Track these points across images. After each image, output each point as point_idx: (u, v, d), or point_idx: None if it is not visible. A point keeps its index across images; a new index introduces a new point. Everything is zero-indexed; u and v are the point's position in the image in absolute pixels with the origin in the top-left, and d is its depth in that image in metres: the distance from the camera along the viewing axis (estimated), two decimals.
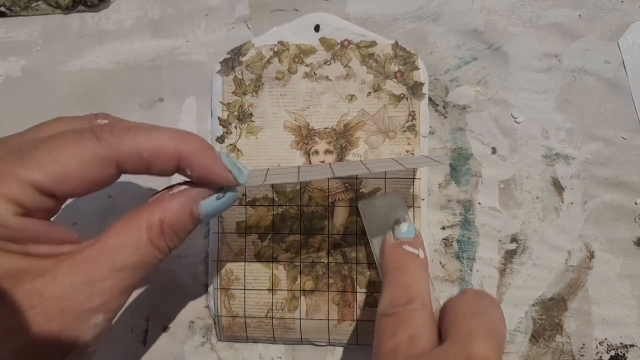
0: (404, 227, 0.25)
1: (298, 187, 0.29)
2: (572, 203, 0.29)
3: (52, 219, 0.19)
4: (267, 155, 0.29)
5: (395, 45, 0.29)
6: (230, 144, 0.29)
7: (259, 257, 0.29)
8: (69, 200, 0.30)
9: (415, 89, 0.28)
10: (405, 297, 0.22)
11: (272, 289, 0.28)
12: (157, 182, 0.30)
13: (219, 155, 0.20)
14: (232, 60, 0.29)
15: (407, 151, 0.28)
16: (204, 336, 0.30)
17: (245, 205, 0.29)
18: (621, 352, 0.28)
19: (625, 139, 0.29)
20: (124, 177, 0.30)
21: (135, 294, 0.30)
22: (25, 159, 0.17)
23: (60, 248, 0.18)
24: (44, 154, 0.17)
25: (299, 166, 0.28)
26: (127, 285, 0.19)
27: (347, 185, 0.28)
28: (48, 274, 0.17)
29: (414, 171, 0.28)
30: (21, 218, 0.17)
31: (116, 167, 0.19)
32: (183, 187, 0.20)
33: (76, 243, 0.19)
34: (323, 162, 0.29)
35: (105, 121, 0.21)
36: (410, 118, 0.28)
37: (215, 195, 0.20)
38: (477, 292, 0.23)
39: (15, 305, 0.17)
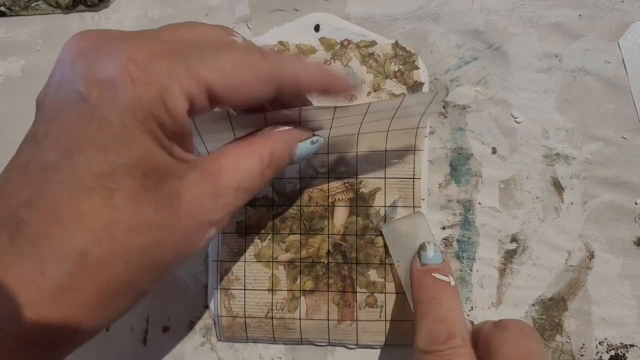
0: (430, 253, 0.25)
1: (298, 187, 0.29)
2: (572, 203, 0.29)
3: None
4: None
5: (395, 45, 0.29)
6: None
7: (259, 257, 0.29)
8: None
9: (415, 88, 0.28)
10: (444, 333, 0.22)
11: (272, 289, 0.28)
12: None
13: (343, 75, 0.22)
14: None
15: (407, 151, 0.28)
16: (204, 336, 0.30)
17: (245, 206, 0.29)
18: (621, 352, 0.28)
19: (625, 139, 0.29)
20: None
21: None
22: (208, 61, 0.17)
23: (188, 155, 0.18)
24: (227, 61, 0.18)
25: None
26: (238, 206, 0.19)
27: (347, 185, 0.28)
28: (185, 178, 0.18)
29: (413, 171, 0.28)
30: (187, 117, 0.17)
31: (277, 88, 0.19)
32: (285, 127, 0.22)
33: (192, 153, 0.19)
34: (323, 161, 0.28)
35: (239, 36, 0.21)
36: None
37: (310, 140, 0.22)
38: (521, 327, 0.23)
39: (158, 200, 0.17)
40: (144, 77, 0.16)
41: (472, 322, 0.28)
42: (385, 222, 0.28)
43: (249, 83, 0.18)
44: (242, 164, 0.19)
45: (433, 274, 0.24)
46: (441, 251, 0.25)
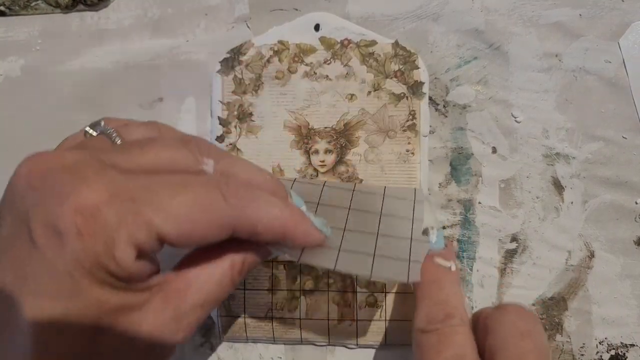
0: (432, 237, 0.25)
1: None
2: (572, 203, 0.29)
3: None
4: (267, 155, 0.29)
5: (396, 44, 0.29)
6: (230, 144, 0.29)
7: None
8: None
9: (415, 88, 0.28)
10: (443, 313, 0.22)
11: (272, 289, 0.28)
12: None
13: (311, 222, 0.21)
14: (232, 60, 0.29)
15: (407, 150, 0.28)
16: (203, 336, 0.29)
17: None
18: (621, 351, 0.28)
19: (625, 138, 0.29)
20: None
21: None
22: (162, 206, 0.17)
23: (150, 280, 0.18)
24: (182, 205, 0.17)
25: (324, 182, 0.28)
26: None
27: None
28: (143, 308, 0.17)
29: (413, 170, 0.28)
30: (137, 261, 0.17)
31: (232, 232, 0.18)
32: None
33: (158, 271, 0.19)
34: (323, 161, 0.28)
35: (210, 162, 0.20)
36: (411, 117, 0.28)
37: None
38: (520, 309, 0.23)
39: (115, 337, 0.17)
40: (91, 228, 0.16)
41: (473, 308, 0.28)
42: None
43: (202, 229, 0.17)
44: (211, 275, 0.19)
45: (435, 259, 0.24)
46: (445, 236, 0.25)
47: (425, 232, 0.25)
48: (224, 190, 0.18)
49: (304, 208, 0.22)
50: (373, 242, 0.24)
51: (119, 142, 0.20)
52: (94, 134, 0.20)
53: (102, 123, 0.20)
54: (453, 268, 0.24)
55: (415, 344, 0.22)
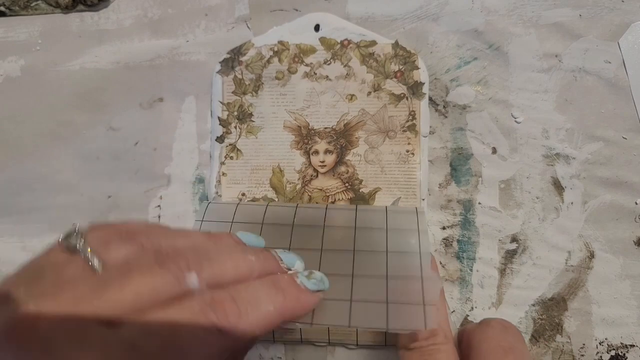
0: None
1: (298, 187, 0.29)
2: (572, 203, 0.29)
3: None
4: (266, 155, 0.29)
5: (396, 44, 0.29)
6: (230, 144, 0.29)
7: None
8: (68, 201, 0.31)
9: (415, 88, 0.28)
10: (426, 331, 0.22)
11: None
12: (155, 183, 0.30)
13: (306, 289, 0.21)
14: (232, 60, 0.29)
15: (407, 151, 0.28)
16: None
17: (245, 205, 0.29)
18: (621, 352, 0.28)
19: (625, 139, 0.29)
20: (123, 178, 0.30)
21: None
22: None
23: None
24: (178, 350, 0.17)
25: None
26: None
27: (347, 185, 0.28)
28: None
29: (413, 170, 0.28)
30: None
31: (231, 352, 0.19)
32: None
33: None
34: (323, 161, 0.28)
35: (193, 276, 0.19)
36: (411, 118, 0.28)
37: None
38: (503, 325, 0.23)
39: None
40: None
41: (472, 309, 0.28)
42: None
43: None
44: None
45: None
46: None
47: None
48: (212, 318, 0.18)
49: (298, 264, 0.23)
50: (383, 286, 0.23)
51: (97, 266, 0.18)
52: (70, 253, 0.18)
53: (80, 240, 0.19)
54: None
55: None
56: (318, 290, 0.22)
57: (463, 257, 0.29)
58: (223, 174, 0.29)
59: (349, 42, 0.29)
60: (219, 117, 0.29)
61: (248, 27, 0.30)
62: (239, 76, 0.29)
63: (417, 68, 0.28)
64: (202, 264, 0.19)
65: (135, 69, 0.31)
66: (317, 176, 0.28)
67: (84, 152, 0.31)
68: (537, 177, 0.29)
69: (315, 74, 0.29)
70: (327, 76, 0.29)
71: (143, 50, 0.31)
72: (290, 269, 0.22)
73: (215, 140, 0.29)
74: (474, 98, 0.29)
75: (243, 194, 0.29)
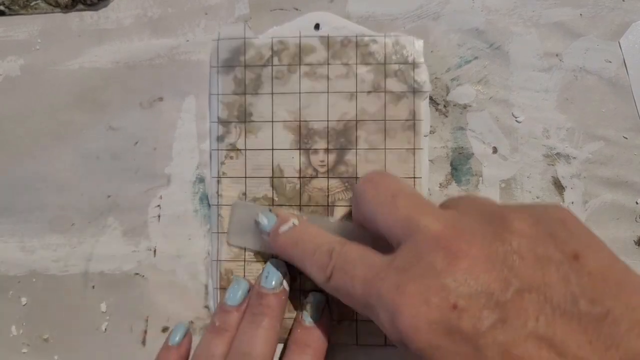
0: (262, 220, 0.26)
1: (298, 186, 0.29)
2: (572, 202, 0.29)
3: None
4: (266, 155, 0.29)
5: (396, 43, 0.29)
6: (230, 144, 0.29)
7: (258, 257, 0.29)
8: (67, 200, 0.30)
9: (415, 88, 0.28)
10: (324, 258, 0.23)
11: None
12: (155, 182, 0.30)
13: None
14: (231, 59, 0.29)
15: (408, 150, 0.28)
16: None
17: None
18: None
19: (626, 138, 0.28)
20: (122, 178, 0.30)
21: (135, 293, 0.30)
22: None
23: None
24: None
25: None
26: None
27: (347, 185, 0.28)
28: None
29: (414, 171, 0.28)
30: None
31: None
32: None
33: None
34: (323, 161, 0.28)
35: None
36: (411, 117, 0.28)
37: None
38: (381, 173, 0.24)
39: None
40: None
41: None
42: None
43: None
44: None
45: (280, 231, 0.25)
46: (269, 209, 0.27)
47: (257, 222, 0.27)
48: None
49: (286, 281, 0.27)
50: None
51: None
52: None
53: None
54: (297, 222, 0.25)
55: (334, 293, 0.23)
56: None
57: None
58: (223, 173, 0.29)
59: (349, 41, 0.29)
60: (218, 117, 0.29)
61: (248, 26, 0.30)
62: (239, 76, 0.29)
63: (418, 67, 0.28)
64: None
65: (135, 69, 0.31)
66: (317, 176, 0.28)
67: (83, 152, 0.31)
68: (537, 177, 0.29)
69: (315, 73, 0.29)
70: (327, 75, 0.29)
71: (143, 50, 0.31)
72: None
73: (216, 139, 0.29)
74: (474, 97, 0.29)
75: (243, 194, 0.29)
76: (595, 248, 0.18)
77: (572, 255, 0.18)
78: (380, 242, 0.22)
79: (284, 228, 0.25)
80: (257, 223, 0.27)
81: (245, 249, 0.29)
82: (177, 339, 0.27)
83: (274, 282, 0.26)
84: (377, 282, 0.20)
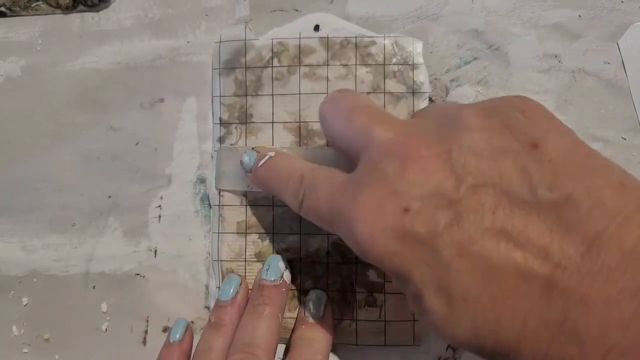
0: (245, 158, 0.27)
1: None
2: None
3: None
4: None
5: (395, 44, 0.29)
6: (231, 145, 0.29)
7: (259, 257, 0.29)
8: (68, 200, 0.31)
9: (415, 88, 0.28)
10: (296, 183, 0.23)
11: None
12: (156, 183, 0.30)
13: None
14: (232, 61, 0.29)
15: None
16: None
17: (246, 206, 0.29)
18: None
19: (625, 139, 0.29)
20: (123, 178, 0.30)
21: (135, 294, 0.30)
22: None
23: None
24: None
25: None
26: None
27: None
28: None
29: None
30: None
31: None
32: None
33: None
34: None
35: None
36: (410, 118, 0.28)
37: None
38: (339, 91, 0.24)
39: None
40: None
41: None
42: None
43: None
44: None
45: (259, 165, 0.26)
46: (252, 148, 0.27)
47: (240, 163, 0.27)
48: None
49: (287, 273, 0.27)
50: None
51: None
52: None
53: None
54: (272, 154, 0.26)
55: (306, 217, 0.23)
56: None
57: None
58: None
59: (349, 42, 0.29)
60: (219, 118, 0.29)
61: (249, 28, 0.30)
62: (240, 77, 0.29)
63: (417, 68, 0.28)
64: None
65: (136, 70, 0.31)
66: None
67: (84, 152, 0.31)
68: None
69: (315, 74, 0.29)
70: (326, 76, 0.29)
71: (144, 51, 0.31)
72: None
73: (217, 141, 0.29)
74: (474, 98, 0.29)
75: (244, 194, 0.29)
76: (556, 134, 0.18)
77: (530, 144, 0.17)
78: (351, 161, 0.22)
79: (262, 161, 0.26)
80: (241, 163, 0.27)
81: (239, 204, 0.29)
82: (177, 335, 0.27)
83: (274, 274, 0.27)
84: (338, 197, 0.20)
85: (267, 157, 0.26)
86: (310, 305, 0.27)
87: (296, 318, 0.28)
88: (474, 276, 0.16)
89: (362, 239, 0.18)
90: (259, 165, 0.26)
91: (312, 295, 0.27)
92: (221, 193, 0.29)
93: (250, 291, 0.28)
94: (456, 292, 0.16)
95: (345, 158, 0.22)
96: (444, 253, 0.16)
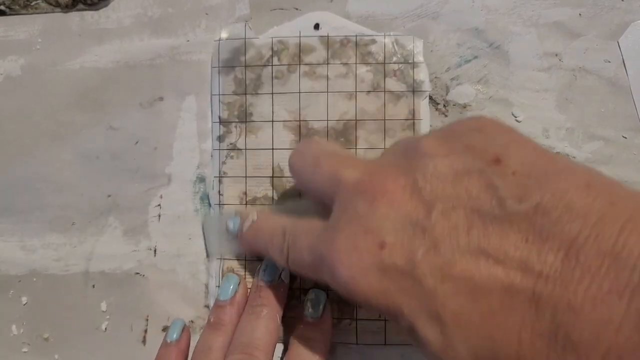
0: (230, 226, 0.27)
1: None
2: None
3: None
4: (266, 155, 0.29)
5: (395, 43, 0.29)
6: (231, 143, 0.29)
7: (259, 256, 0.29)
8: (67, 199, 0.31)
9: (415, 87, 0.28)
10: (279, 239, 0.23)
11: None
12: (156, 182, 0.30)
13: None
14: (232, 60, 0.29)
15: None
16: None
17: (246, 204, 0.29)
18: None
19: (625, 138, 0.29)
20: (123, 177, 0.30)
21: (135, 293, 0.30)
22: None
23: None
24: None
25: None
26: None
27: None
28: None
29: None
30: None
31: None
32: None
33: None
34: None
35: None
36: (411, 117, 0.28)
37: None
38: (300, 145, 0.25)
39: None
40: None
41: None
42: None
43: None
44: None
45: (244, 230, 0.26)
46: (235, 213, 0.28)
47: (226, 229, 0.27)
48: None
49: (285, 273, 0.27)
50: None
51: None
52: None
53: None
54: (254, 217, 0.26)
55: (294, 270, 0.24)
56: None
57: None
58: (224, 173, 0.29)
59: (349, 40, 0.29)
60: (219, 117, 0.29)
61: (249, 27, 0.30)
62: (239, 76, 0.29)
63: (417, 67, 0.28)
64: None
65: (136, 68, 0.31)
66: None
67: (84, 152, 0.31)
68: None
69: (315, 73, 0.29)
70: (326, 75, 0.29)
71: (143, 50, 0.31)
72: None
73: (216, 139, 0.29)
74: (474, 97, 0.29)
75: (244, 193, 0.29)
76: (516, 146, 0.18)
77: (492, 160, 0.17)
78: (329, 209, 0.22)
79: (245, 226, 0.26)
80: (226, 231, 0.27)
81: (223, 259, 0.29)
82: (175, 335, 0.27)
83: (271, 275, 0.27)
84: (317, 245, 0.20)
85: (250, 222, 0.26)
86: (309, 305, 0.27)
87: (297, 317, 0.28)
88: (460, 299, 0.16)
89: (345, 282, 0.18)
90: (243, 230, 0.26)
91: (311, 294, 0.27)
92: (221, 192, 0.29)
93: (249, 291, 0.28)
94: (446, 317, 0.16)
95: (321, 205, 0.23)
96: (427, 281, 0.16)
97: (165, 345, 0.27)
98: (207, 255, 0.29)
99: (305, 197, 0.28)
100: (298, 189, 0.26)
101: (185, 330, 0.28)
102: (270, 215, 0.26)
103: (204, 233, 0.29)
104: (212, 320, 0.27)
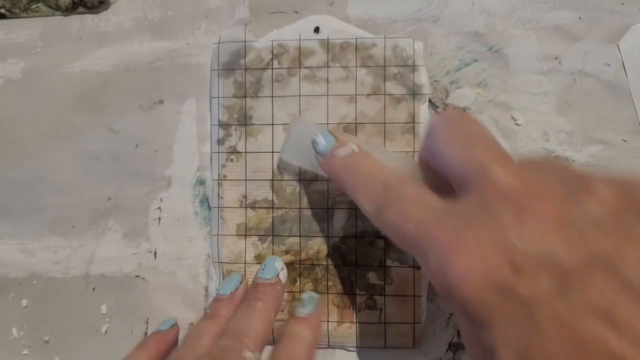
0: (320, 140, 0.25)
1: (298, 189, 0.29)
2: None
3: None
4: (266, 157, 0.29)
5: (395, 46, 0.29)
6: (230, 146, 0.29)
7: (259, 259, 0.29)
8: (67, 202, 0.31)
9: (415, 90, 0.28)
10: (378, 189, 0.22)
11: None
12: (156, 185, 0.30)
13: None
14: (231, 63, 0.29)
15: (407, 153, 0.28)
16: None
17: (245, 208, 0.29)
18: None
19: (625, 141, 0.29)
20: (123, 180, 0.30)
21: (135, 295, 0.30)
22: None
23: None
24: None
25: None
26: None
27: None
28: None
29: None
30: None
31: None
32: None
33: None
34: None
35: None
36: (410, 120, 0.28)
37: None
38: (452, 113, 0.23)
39: None
40: None
41: None
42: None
43: None
44: None
45: (336, 154, 0.24)
46: (328, 131, 0.26)
47: (313, 142, 0.25)
48: None
49: (282, 274, 0.27)
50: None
51: None
52: None
53: None
54: (355, 148, 0.24)
55: (380, 227, 0.22)
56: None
57: None
58: (224, 176, 0.29)
59: (349, 44, 0.29)
60: (219, 120, 0.29)
61: (249, 29, 0.30)
62: (239, 79, 0.29)
63: (417, 70, 0.28)
64: None
65: (135, 71, 0.31)
66: (316, 179, 0.28)
67: (84, 154, 0.31)
68: None
69: (315, 76, 0.29)
70: (326, 78, 0.29)
71: (143, 53, 0.31)
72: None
73: (216, 142, 0.29)
74: (474, 100, 0.29)
75: (244, 196, 0.29)
76: None
77: None
78: (441, 185, 0.21)
79: (341, 152, 0.24)
80: (313, 142, 0.25)
81: (299, 170, 0.28)
82: (164, 327, 0.28)
83: (269, 274, 0.27)
84: (433, 225, 0.18)
85: (347, 151, 0.24)
86: (301, 302, 0.27)
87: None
88: (563, 351, 0.15)
89: (456, 280, 0.17)
90: (335, 154, 0.24)
91: (305, 294, 0.28)
92: (220, 195, 0.29)
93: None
94: None
95: (436, 180, 0.21)
96: (543, 324, 0.15)
97: (152, 333, 0.28)
98: (281, 155, 0.28)
99: (404, 157, 0.27)
100: (423, 155, 0.24)
101: (176, 325, 0.29)
102: (371, 156, 0.24)
103: (287, 133, 0.28)
104: (208, 311, 0.27)
